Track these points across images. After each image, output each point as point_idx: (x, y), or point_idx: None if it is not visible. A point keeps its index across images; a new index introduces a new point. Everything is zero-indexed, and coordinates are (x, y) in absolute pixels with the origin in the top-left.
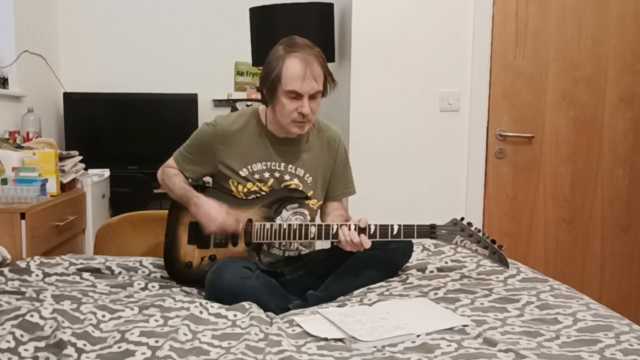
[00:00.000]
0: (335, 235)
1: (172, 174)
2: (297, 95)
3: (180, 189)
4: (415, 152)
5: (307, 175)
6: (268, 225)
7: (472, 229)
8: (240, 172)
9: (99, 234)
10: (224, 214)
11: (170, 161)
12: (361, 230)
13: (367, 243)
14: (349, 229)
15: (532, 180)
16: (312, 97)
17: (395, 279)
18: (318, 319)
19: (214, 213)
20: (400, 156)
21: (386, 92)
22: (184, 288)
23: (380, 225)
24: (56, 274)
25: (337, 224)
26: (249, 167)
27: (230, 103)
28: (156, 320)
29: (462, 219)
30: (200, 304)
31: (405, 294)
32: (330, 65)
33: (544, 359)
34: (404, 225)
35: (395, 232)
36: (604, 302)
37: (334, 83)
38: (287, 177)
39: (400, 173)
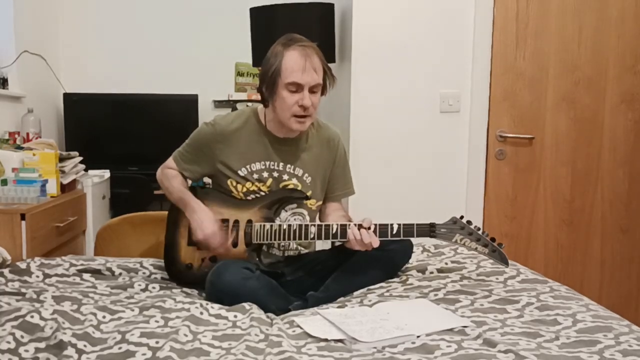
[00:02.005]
0: (335, 235)
1: (171, 176)
2: (297, 88)
3: (178, 191)
4: (416, 153)
5: (306, 175)
6: (268, 225)
7: (472, 227)
8: (239, 172)
9: (99, 235)
10: (215, 228)
11: (170, 161)
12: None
13: (376, 242)
14: (359, 229)
15: (533, 181)
16: (312, 90)
17: (395, 279)
18: (318, 320)
19: (206, 222)
20: (401, 157)
21: (386, 92)
22: (185, 289)
23: (380, 225)
24: (56, 275)
25: (338, 224)
26: (247, 166)
27: (231, 104)
28: (157, 321)
29: (462, 217)
30: (201, 305)
31: (405, 295)
32: (330, 65)
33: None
34: (403, 225)
35: (395, 231)
36: (603, 303)
37: (334, 78)
38: (285, 177)
39: (401, 174)
